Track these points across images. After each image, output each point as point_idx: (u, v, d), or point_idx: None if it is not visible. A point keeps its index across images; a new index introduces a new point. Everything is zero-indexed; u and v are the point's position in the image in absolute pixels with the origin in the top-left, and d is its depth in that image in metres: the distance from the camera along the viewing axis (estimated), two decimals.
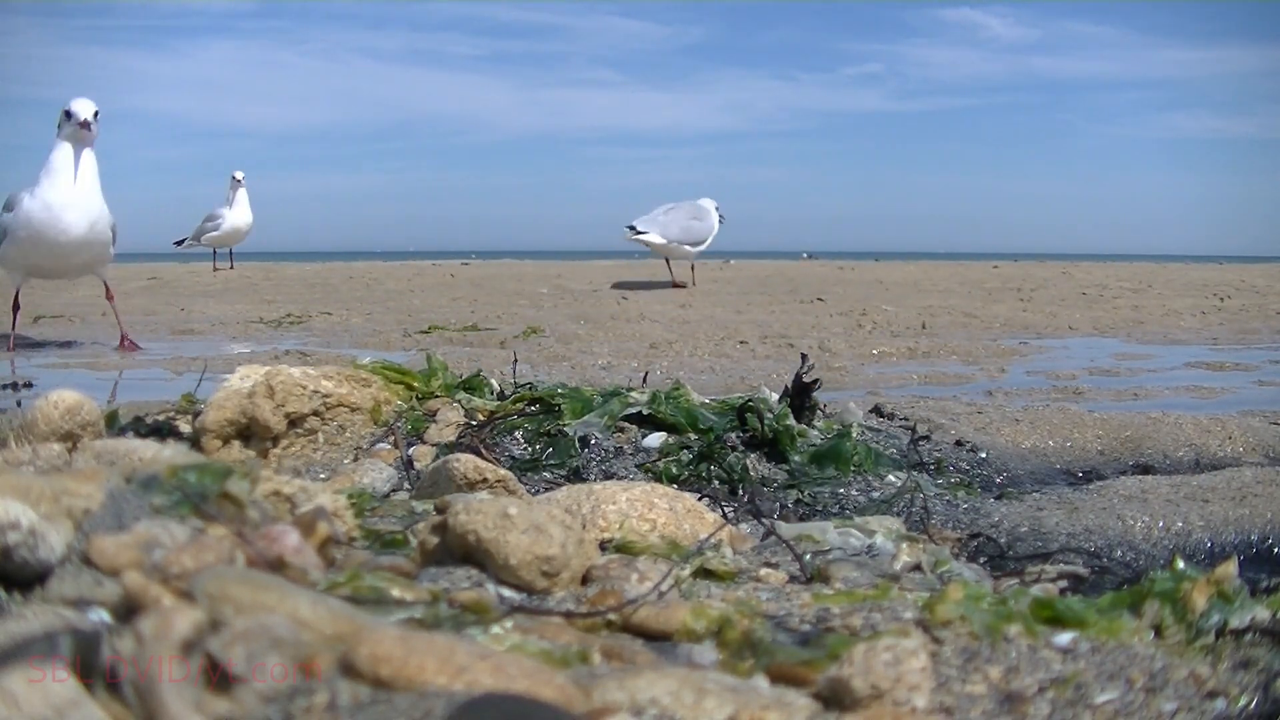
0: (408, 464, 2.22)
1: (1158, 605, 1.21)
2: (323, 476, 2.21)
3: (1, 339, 6.12)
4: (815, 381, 2.64)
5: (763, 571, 1.40)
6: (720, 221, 10.82)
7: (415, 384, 2.62)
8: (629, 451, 2.41)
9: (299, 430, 2.35)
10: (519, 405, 2.54)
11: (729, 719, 0.88)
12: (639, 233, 10.34)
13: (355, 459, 2.30)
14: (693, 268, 11.14)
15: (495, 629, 1.07)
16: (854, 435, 2.51)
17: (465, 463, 1.75)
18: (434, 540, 1.30)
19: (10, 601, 0.95)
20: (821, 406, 2.73)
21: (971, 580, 1.45)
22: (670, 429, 2.47)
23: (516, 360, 3.94)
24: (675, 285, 10.63)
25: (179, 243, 13.82)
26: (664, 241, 10.45)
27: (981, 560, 1.88)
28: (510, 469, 2.24)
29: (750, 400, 2.55)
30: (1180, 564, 1.34)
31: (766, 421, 2.46)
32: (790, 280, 12.14)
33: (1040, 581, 1.52)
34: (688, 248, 10.62)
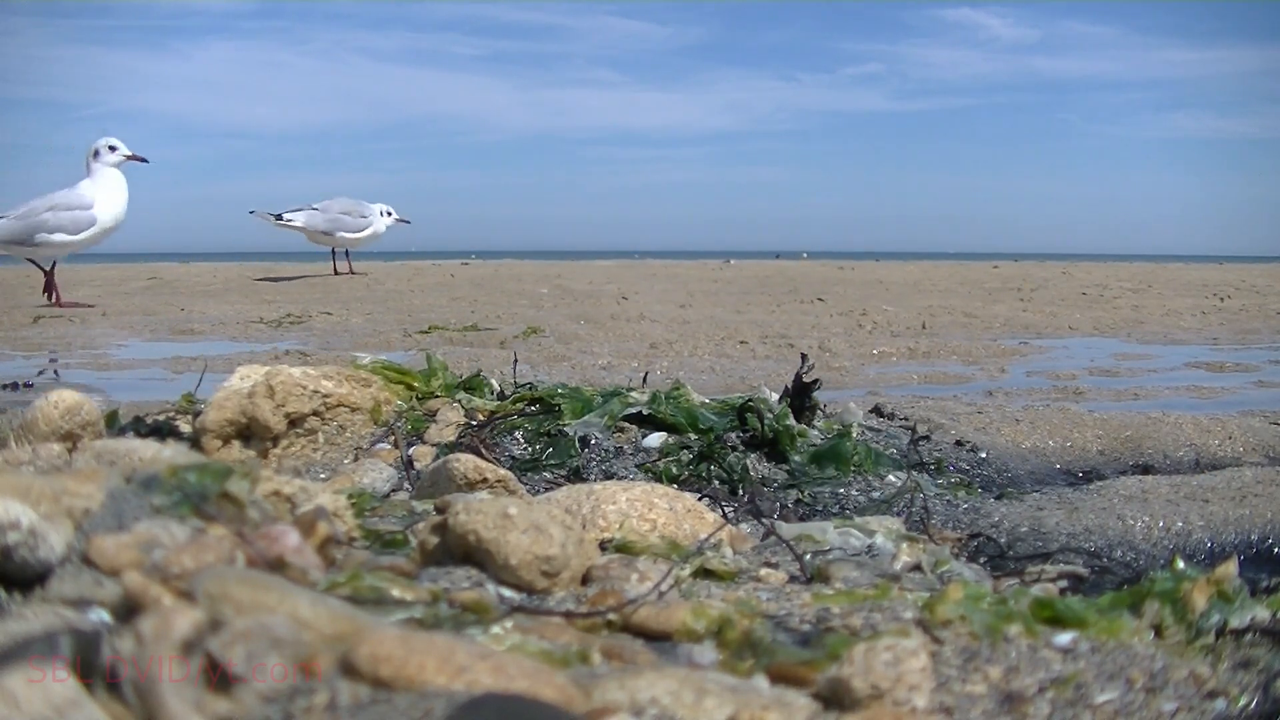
0: (408, 464, 2.22)
1: (1158, 605, 1.21)
2: (323, 476, 2.21)
3: None
4: (815, 381, 2.64)
5: (763, 571, 1.40)
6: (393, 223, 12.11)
7: (415, 384, 2.62)
8: (629, 451, 2.41)
9: (299, 430, 2.35)
10: (519, 405, 2.54)
11: (729, 719, 0.88)
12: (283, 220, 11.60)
13: (355, 459, 2.30)
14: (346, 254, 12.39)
15: (495, 629, 1.07)
16: (854, 435, 2.51)
17: (465, 463, 1.75)
18: (434, 540, 1.30)
19: (10, 601, 0.95)
20: (821, 406, 2.72)
21: (971, 580, 1.45)
22: (670, 429, 2.47)
23: (516, 360, 3.94)
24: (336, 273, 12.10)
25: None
26: (308, 228, 11.75)
27: (981, 560, 1.88)
28: (510, 469, 2.24)
29: (750, 400, 2.55)
30: (1180, 564, 1.34)
31: (766, 421, 2.46)
32: (790, 280, 12.15)
33: (1040, 581, 1.51)
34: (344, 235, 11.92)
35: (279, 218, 11.69)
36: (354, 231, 11.90)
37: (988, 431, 2.88)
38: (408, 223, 12.44)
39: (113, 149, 8.89)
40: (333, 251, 12.25)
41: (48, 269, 8.93)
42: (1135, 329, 7.44)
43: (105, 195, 8.85)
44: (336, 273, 12.21)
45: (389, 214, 12.11)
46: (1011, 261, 19.72)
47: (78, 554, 1.01)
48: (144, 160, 9.02)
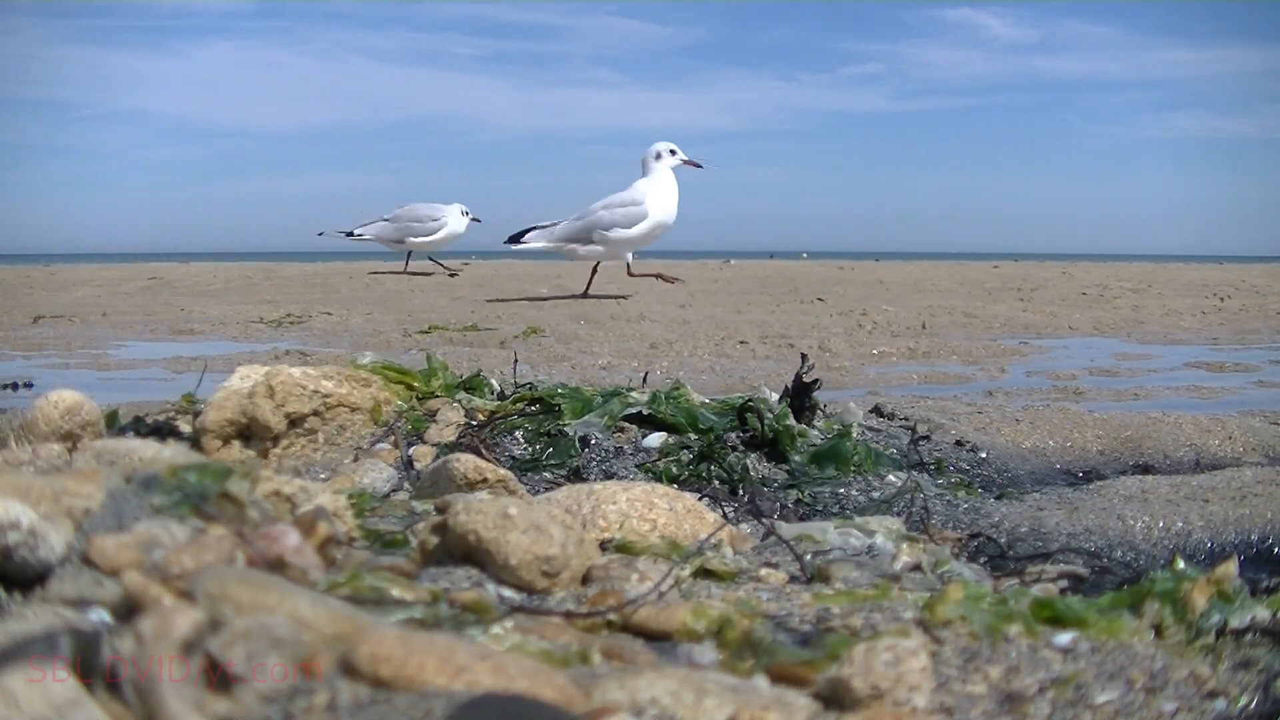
0: (408, 464, 2.22)
1: (1158, 605, 1.21)
2: (323, 476, 2.21)
3: None
4: (815, 381, 2.64)
5: (763, 571, 1.40)
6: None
7: (415, 384, 2.62)
8: (629, 451, 2.41)
9: (299, 430, 2.35)
10: (519, 405, 2.54)
11: (729, 719, 0.88)
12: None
13: (355, 459, 2.30)
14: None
15: (495, 629, 1.07)
16: (854, 435, 2.51)
17: (465, 463, 1.75)
18: (434, 540, 1.30)
19: (10, 601, 0.95)
20: (821, 406, 2.72)
21: (971, 580, 1.45)
22: (670, 429, 2.47)
23: (516, 360, 3.94)
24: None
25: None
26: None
27: (981, 560, 1.88)
28: (510, 469, 2.24)
29: (750, 400, 2.55)
30: (1180, 564, 1.34)
31: (766, 421, 2.46)
32: (790, 280, 12.15)
33: (1040, 581, 1.51)
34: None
35: (350, 234, 12.63)
36: (426, 236, 12.59)
37: (988, 431, 2.88)
38: (478, 220, 12.96)
39: (673, 153, 9.20)
40: (407, 254, 12.99)
41: (595, 266, 9.64)
42: (1135, 329, 7.43)
43: (657, 193, 9.15)
44: (406, 270, 12.90)
45: (466, 213, 12.72)
46: (1011, 261, 19.73)
47: (78, 554, 1.01)
48: (699, 166, 9.25)
